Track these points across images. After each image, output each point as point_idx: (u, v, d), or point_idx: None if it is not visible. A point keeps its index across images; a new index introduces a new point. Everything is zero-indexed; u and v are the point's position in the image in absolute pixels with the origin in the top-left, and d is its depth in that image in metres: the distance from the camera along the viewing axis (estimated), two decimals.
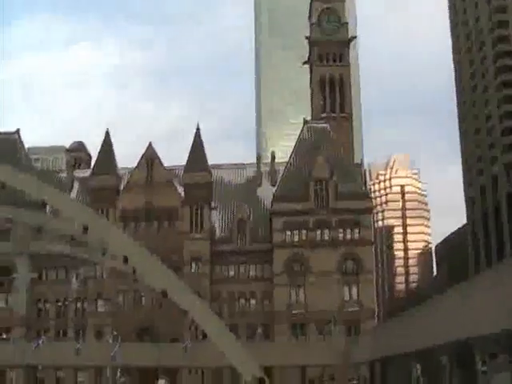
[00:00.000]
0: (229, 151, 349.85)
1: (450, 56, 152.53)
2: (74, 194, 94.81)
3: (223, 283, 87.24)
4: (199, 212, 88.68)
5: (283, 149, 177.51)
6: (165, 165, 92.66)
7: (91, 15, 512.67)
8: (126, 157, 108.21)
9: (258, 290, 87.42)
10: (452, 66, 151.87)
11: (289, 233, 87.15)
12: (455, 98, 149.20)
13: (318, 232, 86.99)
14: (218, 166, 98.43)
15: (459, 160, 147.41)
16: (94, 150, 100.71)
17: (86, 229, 33.30)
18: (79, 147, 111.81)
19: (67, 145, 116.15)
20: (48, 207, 72.97)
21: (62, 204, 34.66)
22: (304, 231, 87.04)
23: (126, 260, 33.63)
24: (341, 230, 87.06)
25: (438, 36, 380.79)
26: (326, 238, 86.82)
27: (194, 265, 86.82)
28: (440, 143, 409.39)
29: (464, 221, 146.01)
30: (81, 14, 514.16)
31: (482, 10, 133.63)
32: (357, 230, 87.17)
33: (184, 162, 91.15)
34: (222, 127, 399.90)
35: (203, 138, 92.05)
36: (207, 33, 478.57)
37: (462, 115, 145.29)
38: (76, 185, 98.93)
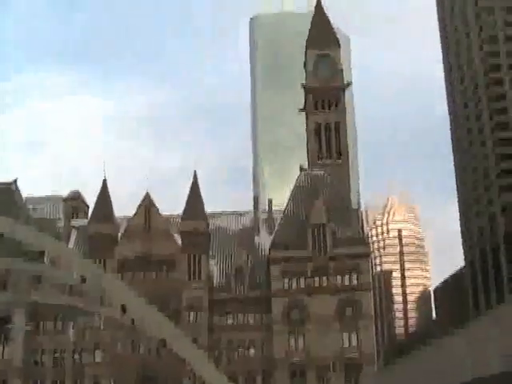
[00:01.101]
0: (226, 196, 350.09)
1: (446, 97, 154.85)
2: (71, 244, 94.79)
3: (222, 331, 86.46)
4: (197, 260, 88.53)
5: (280, 195, 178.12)
6: (162, 213, 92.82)
7: (92, 65, 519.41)
8: (124, 205, 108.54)
9: (257, 338, 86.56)
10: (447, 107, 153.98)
11: (287, 280, 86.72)
12: (451, 140, 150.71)
13: (317, 278, 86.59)
14: (216, 214, 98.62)
15: (456, 201, 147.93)
16: (92, 198, 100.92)
17: (83, 279, 33.37)
18: (76, 196, 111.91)
19: (65, 194, 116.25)
20: (46, 257, 73.04)
21: (60, 254, 34.78)
22: (302, 278, 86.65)
23: (124, 310, 33.56)
24: (339, 276, 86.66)
25: (433, 78, 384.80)
26: (325, 284, 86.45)
27: (192, 313, 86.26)
28: (437, 184, 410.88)
29: (462, 262, 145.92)
30: (82, 63, 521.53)
31: (475, 53, 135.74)
32: (355, 276, 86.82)
33: (181, 210, 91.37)
34: (219, 173, 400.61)
35: (201, 183, 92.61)
36: (204, 77, 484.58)
37: (459, 156, 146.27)
38: (73, 234, 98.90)
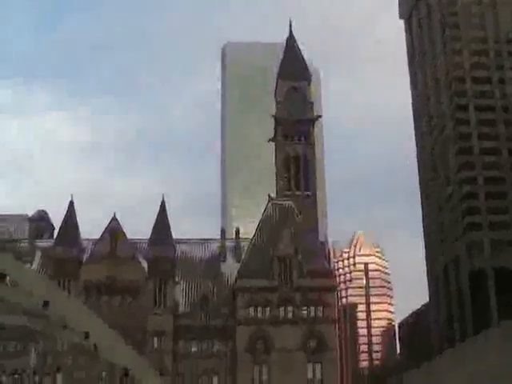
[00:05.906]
0: (194, 226, 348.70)
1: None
2: (35, 264, 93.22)
3: (186, 359, 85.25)
4: (163, 286, 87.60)
5: (248, 225, 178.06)
6: (129, 237, 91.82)
7: (62, 83, 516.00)
8: (91, 229, 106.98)
9: (221, 367, 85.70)
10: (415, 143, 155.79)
11: (252, 309, 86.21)
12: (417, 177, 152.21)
13: (282, 309, 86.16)
14: (183, 241, 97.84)
15: (422, 238, 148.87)
16: (58, 220, 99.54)
17: (46, 303, 32.65)
18: (42, 216, 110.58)
19: (31, 213, 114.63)
20: (8, 278, 71.74)
21: (22, 275, 34.09)
22: (268, 308, 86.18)
23: (87, 336, 32.89)
24: (304, 308, 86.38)
25: (402, 111, 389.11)
26: (290, 315, 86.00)
27: (156, 340, 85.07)
28: (404, 221, 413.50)
29: (427, 298, 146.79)
30: (56, 82, 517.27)
31: (443, 95, 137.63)
32: (320, 308, 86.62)
33: (148, 236, 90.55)
34: (187, 202, 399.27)
35: (168, 212, 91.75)
36: (176, 106, 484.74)
37: (425, 194, 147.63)
38: (38, 255, 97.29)
